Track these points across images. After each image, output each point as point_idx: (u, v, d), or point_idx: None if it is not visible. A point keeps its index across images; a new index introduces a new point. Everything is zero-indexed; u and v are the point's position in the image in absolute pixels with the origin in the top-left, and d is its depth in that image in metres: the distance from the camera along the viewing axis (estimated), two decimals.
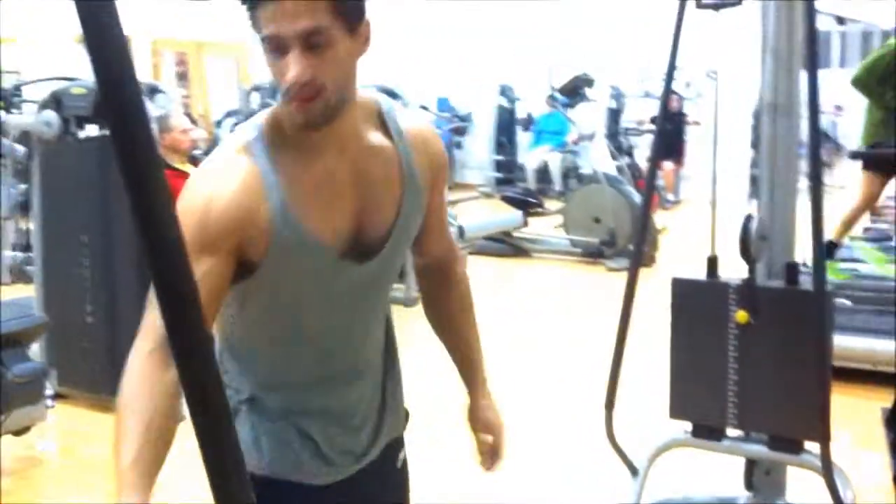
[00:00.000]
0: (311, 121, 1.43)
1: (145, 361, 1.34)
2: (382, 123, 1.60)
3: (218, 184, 1.44)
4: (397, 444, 1.86)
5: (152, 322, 1.35)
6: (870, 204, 6.83)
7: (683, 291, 3.08)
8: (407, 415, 1.89)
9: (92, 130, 4.76)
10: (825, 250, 3.87)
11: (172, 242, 0.81)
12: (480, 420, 1.96)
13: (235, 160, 1.45)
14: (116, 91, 0.76)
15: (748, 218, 2.92)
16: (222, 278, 1.42)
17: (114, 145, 0.76)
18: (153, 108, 5.10)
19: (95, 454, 4.16)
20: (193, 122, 10.06)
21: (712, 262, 3.07)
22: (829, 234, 5.92)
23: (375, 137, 1.57)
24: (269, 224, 1.43)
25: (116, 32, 0.76)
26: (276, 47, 1.38)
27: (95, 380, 4.55)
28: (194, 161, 5.20)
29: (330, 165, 1.51)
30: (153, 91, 6.22)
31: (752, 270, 2.96)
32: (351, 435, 1.71)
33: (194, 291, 0.85)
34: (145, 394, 1.32)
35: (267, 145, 1.47)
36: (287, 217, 1.46)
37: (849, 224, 6.64)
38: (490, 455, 1.98)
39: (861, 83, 6.25)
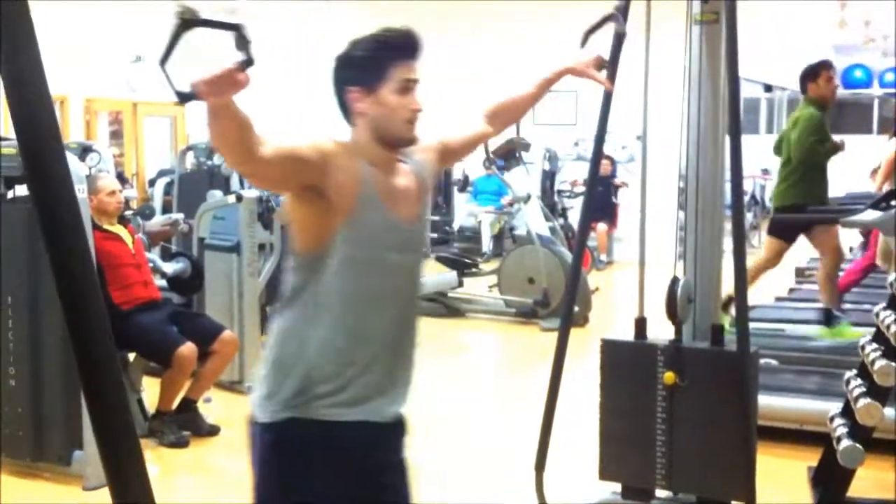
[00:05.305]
0: (415, 137, 2.11)
1: None
2: None
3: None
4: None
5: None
6: (770, 266, 6.91)
7: (612, 353, 3.12)
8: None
9: (21, 191, 4.69)
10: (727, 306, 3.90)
11: (90, 301, 0.81)
12: (576, 60, 2.57)
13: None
14: (38, 153, 0.76)
15: (674, 280, 2.98)
16: (305, 164, 1.90)
17: (35, 205, 0.76)
18: (84, 168, 5.04)
19: None
20: (125, 181, 9.96)
21: (640, 324, 3.11)
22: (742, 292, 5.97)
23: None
24: (357, 182, 1.97)
25: (42, 97, 0.76)
26: (408, 88, 2.06)
27: (18, 445, 4.43)
28: (124, 221, 5.13)
29: (390, 174, 2.11)
30: (85, 150, 6.17)
31: (678, 332, 3.01)
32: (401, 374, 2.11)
33: (110, 352, 0.85)
34: None
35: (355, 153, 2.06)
36: (368, 182, 2.01)
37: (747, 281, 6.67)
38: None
39: (779, 149, 6.51)
